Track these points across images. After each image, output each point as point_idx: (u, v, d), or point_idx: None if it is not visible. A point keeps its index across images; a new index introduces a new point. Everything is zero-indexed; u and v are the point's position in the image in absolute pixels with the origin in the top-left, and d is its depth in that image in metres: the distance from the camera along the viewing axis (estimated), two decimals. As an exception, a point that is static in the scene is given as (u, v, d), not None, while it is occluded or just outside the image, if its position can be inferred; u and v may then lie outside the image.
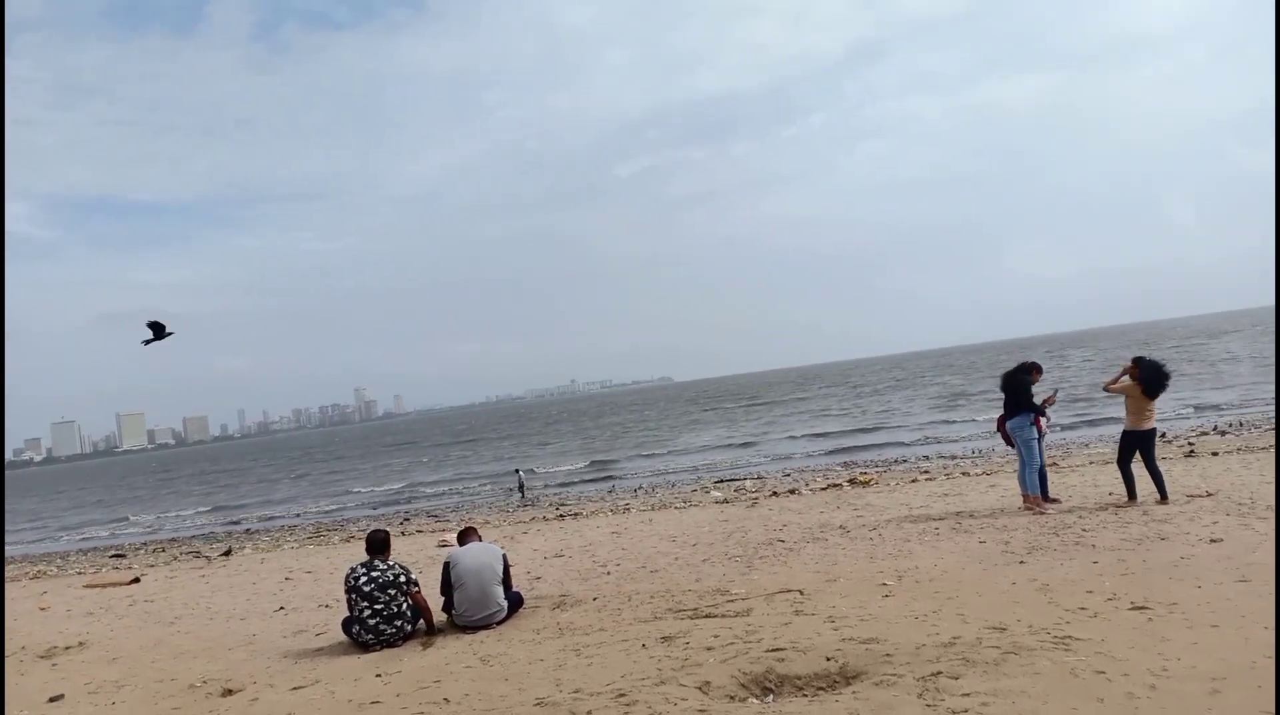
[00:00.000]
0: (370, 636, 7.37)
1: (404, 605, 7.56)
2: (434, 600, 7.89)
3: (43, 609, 11.93)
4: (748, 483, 22.29)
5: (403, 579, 7.62)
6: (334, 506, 35.09)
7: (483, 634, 7.46)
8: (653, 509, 17.63)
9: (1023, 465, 10.83)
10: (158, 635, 8.97)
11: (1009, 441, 11.16)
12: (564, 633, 7.17)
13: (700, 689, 5.36)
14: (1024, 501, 10.78)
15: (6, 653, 8.93)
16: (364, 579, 7.52)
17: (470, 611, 7.64)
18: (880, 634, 5.95)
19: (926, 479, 16.84)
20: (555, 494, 28.22)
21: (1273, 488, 10.02)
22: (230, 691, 6.52)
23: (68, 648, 8.75)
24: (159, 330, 8.24)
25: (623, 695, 5.36)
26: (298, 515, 32.59)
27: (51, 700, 6.75)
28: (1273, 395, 26.63)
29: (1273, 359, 44.18)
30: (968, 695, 4.71)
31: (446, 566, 7.87)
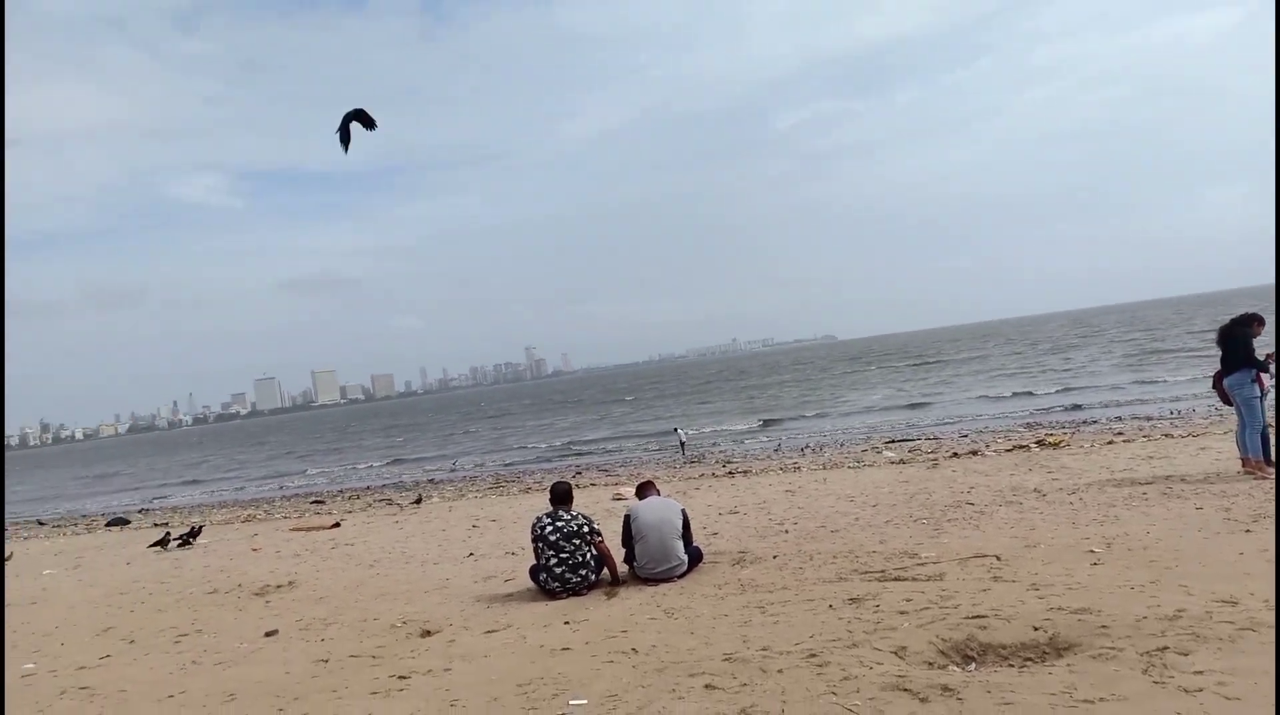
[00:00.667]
0: (557, 584, 7.53)
1: (588, 555, 7.67)
2: (616, 552, 7.98)
3: (255, 550, 12.92)
4: (923, 444, 21.52)
5: (586, 529, 7.74)
6: (512, 460, 36.49)
7: (664, 587, 7.48)
8: (824, 468, 17.31)
9: (1242, 426, 9.87)
10: (359, 577, 9.52)
11: (1226, 400, 10.21)
12: (746, 589, 7.09)
13: (896, 654, 5.15)
14: (1243, 465, 9.85)
15: (225, 589, 9.72)
16: (549, 529, 7.68)
17: (651, 564, 7.68)
18: (1093, 604, 5.53)
19: (1124, 441, 15.72)
20: (720, 451, 28.22)
21: None
22: (429, 632, 6.81)
23: (279, 586, 9.41)
24: (365, 120, 7.32)
25: (813, 655, 5.22)
26: (479, 466, 34.10)
27: (267, 635, 7.25)
28: None
29: None
30: (1200, 673, 4.30)
31: (627, 519, 7.93)
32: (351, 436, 80.00)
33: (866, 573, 7.18)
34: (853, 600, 6.35)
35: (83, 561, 14.12)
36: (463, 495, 20.91)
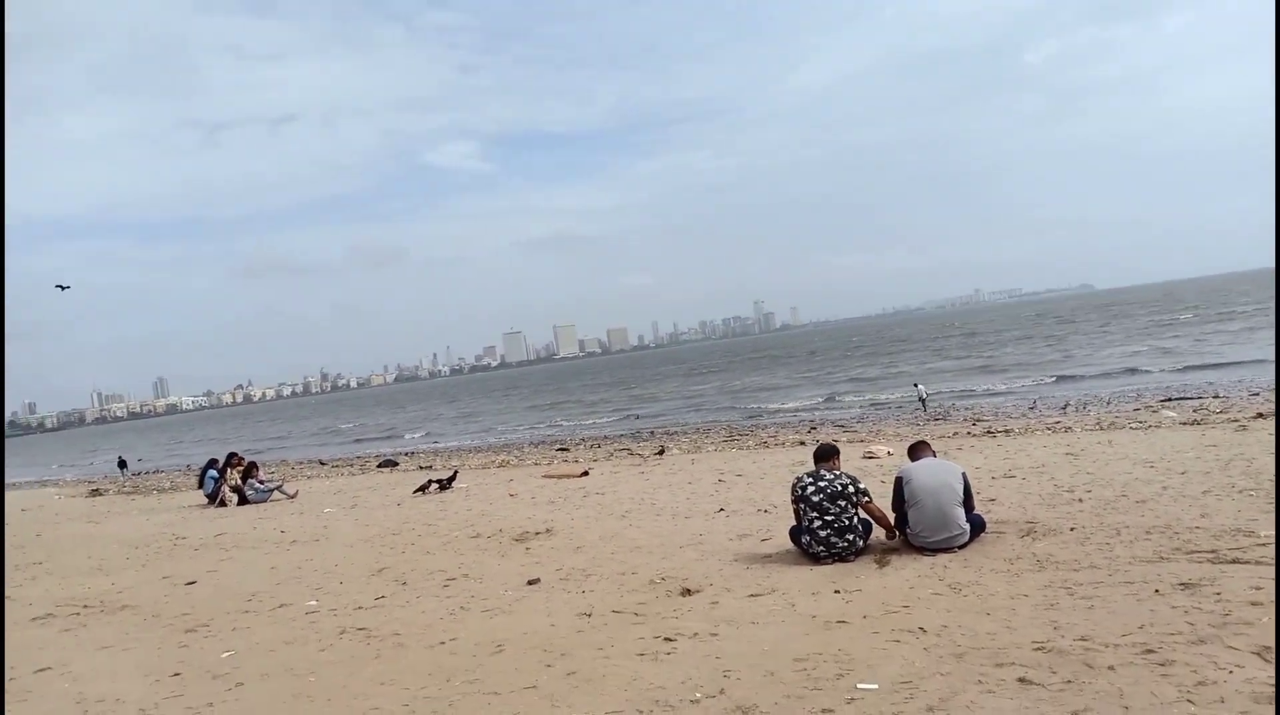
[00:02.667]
0: (821, 548, 7.00)
1: (854, 518, 7.08)
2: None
3: (511, 495, 13.29)
4: (1210, 403, 18.98)
5: (851, 489, 7.13)
6: (749, 408, 36.23)
7: (944, 557, 6.76)
8: (1101, 428, 15.59)
9: None
10: (613, 528, 9.43)
11: None
12: (1044, 566, 6.25)
13: (1259, 655, 4.23)
14: None
15: (487, 534, 9.94)
16: (811, 489, 7.14)
17: (927, 532, 6.97)
18: None
19: None
20: (966, 408, 26.46)
21: None
22: (689, 591, 6.50)
23: (537, 534, 9.50)
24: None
25: (1150, 652, 4.40)
26: (711, 419, 34.07)
27: (530, 583, 7.23)
28: None
29: None
30: None
31: (899, 482, 7.24)
32: (590, 387, 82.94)
33: (1194, 552, 6.12)
34: (1184, 585, 5.39)
35: (359, 501, 15.16)
36: (699, 447, 20.78)
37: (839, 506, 7.04)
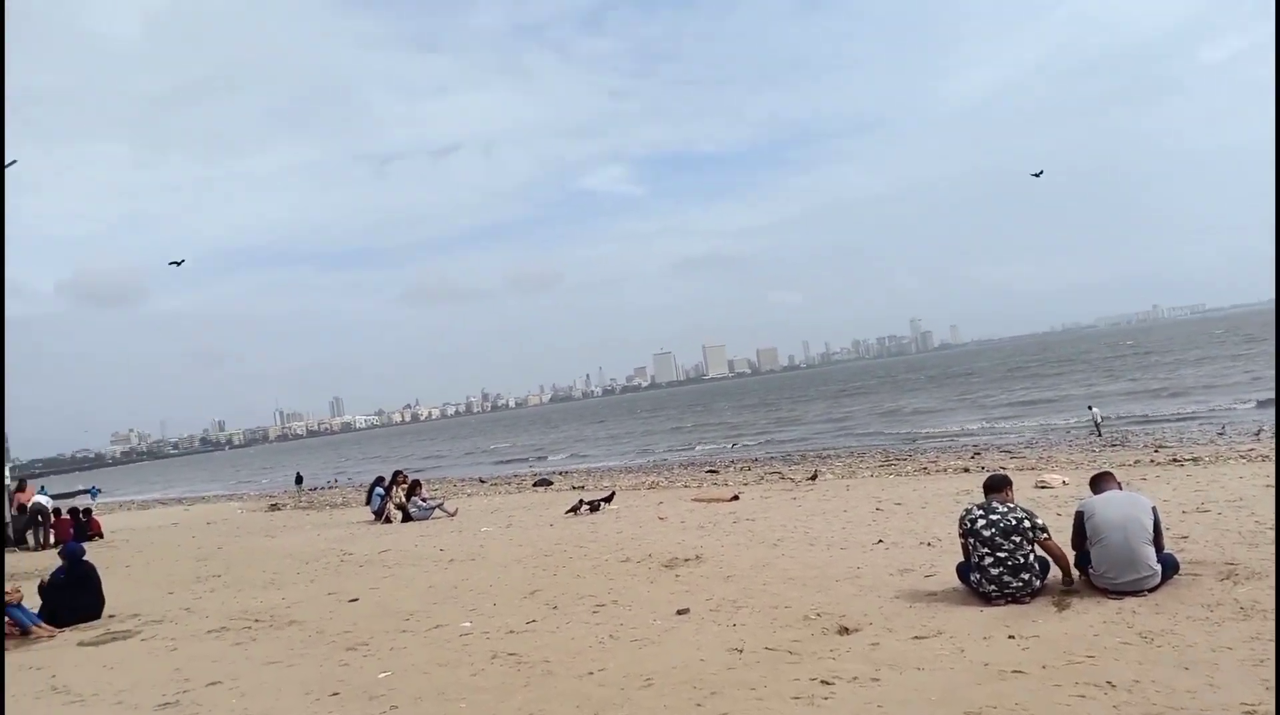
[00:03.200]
0: (993, 588, 6.50)
1: (1030, 555, 6.54)
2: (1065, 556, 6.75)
3: (661, 519, 13.17)
4: None
5: (1027, 524, 6.60)
6: (904, 432, 35.02)
7: (1132, 602, 6.14)
8: (1309, 458, 14.08)
9: None
10: (764, 557, 9.14)
11: None
12: (1249, 615, 5.57)
13: None
14: None
15: (636, 558, 9.83)
16: (982, 522, 6.66)
17: (1113, 573, 6.36)
18: None
19: None
20: (1146, 433, 24.61)
21: None
22: (846, 629, 6.16)
23: (686, 560, 9.31)
24: None
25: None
26: (865, 443, 33.06)
27: (679, 613, 7.05)
28: None
29: None
30: None
31: (1080, 516, 6.65)
32: (737, 408, 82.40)
33: None
34: None
35: (514, 521, 15.41)
36: (853, 472, 20.14)
37: (1013, 542, 6.52)
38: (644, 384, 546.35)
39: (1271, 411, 26.85)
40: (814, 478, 18.44)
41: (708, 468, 28.00)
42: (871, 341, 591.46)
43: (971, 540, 6.68)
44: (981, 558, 6.58)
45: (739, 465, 28.04)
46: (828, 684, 5.09)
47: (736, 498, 14.73)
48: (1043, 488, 12.81)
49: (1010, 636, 5.67)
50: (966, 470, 17.78)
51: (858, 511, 11.83)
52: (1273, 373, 40.45)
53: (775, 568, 8.50)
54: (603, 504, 15.14)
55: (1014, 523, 6.59)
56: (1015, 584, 6.47)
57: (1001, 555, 6.50)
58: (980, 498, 6.98)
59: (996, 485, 6.98)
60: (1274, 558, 6.91)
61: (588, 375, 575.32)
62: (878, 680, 5.10)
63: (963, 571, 6.85)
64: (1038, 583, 6.56)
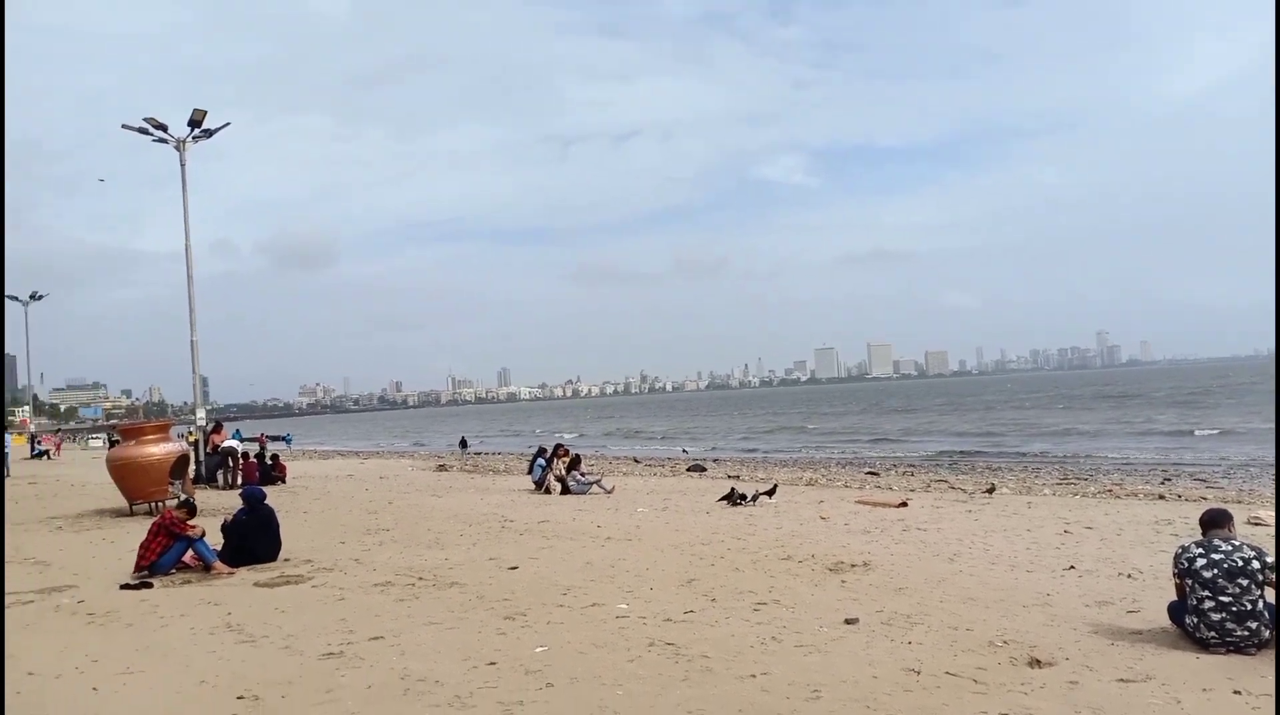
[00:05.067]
0: (1212, 635, 5.74)
1: (1259, 601, 5.74)
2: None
3: (823, 518, 12.66)
4: None
5: (1256, 564, 5.79)
6: (1079, 450, 32.79)
7: (1390, 670, 5.27)
8: None
9: None
10: (939, 571, 8.54)
11: None
12: None
13: None
14: None
15: (799, 558, 9.42)
16: (1202, 561, 5.89)
17: (1366, 634, 5.49)
18: None
19: None
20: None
21: None
22: (1039, 662, 5.57)
23: (853, 565, 8.82)
24: None
25: None
26: (1039, 456, 31.11)
27: (848, 622, 6.62)
28: None
29: None
30: None
31: (1324, 563, 5.79)
32: (907, 412, 79.75)
33: None
34: None
35: (669, 505, 15.25)
36: (1030, 488, 18.86)
37: (1239, 586, 5.74)
38: (803, 378, 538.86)
39: None
40: (991, 491, 17.36)
41: (868, 469, 27.04)
42: (1052, 352, 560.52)
43: (1189, 581, 5.93)
44: (1200, 601, 5.82)
45: (901, 469, 26.91)
46: (1020, 723, 4.58)
47: (905, 504, 13.99)
48: (1257, 525, 11.47)
49: (1236, 692, 4.98)
50: (1161, 497, 16.29)
51: (1043, 532, 10.95)
52: None
53: (953, 585, 7.90)
54: (763, 497, 14.72)
55: (1240, 564, 5.80)
56: (1240, 632, 5.69)
57: (1225, 600, 5.73)
58: (1179, 527, 6.21)
59: (1217, 520, 6.19)
60: None
61: (746, 365, 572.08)
62: (1078, 725, 4.55)
63: (1175, 612, 6.11)
64: (1266, 633, 5.74)
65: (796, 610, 7.07)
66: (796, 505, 14.63)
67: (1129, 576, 8.09)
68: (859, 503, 14.78)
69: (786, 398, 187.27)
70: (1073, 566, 8.59)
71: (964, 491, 17.48)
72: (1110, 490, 18.15)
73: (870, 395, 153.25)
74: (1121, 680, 5.22)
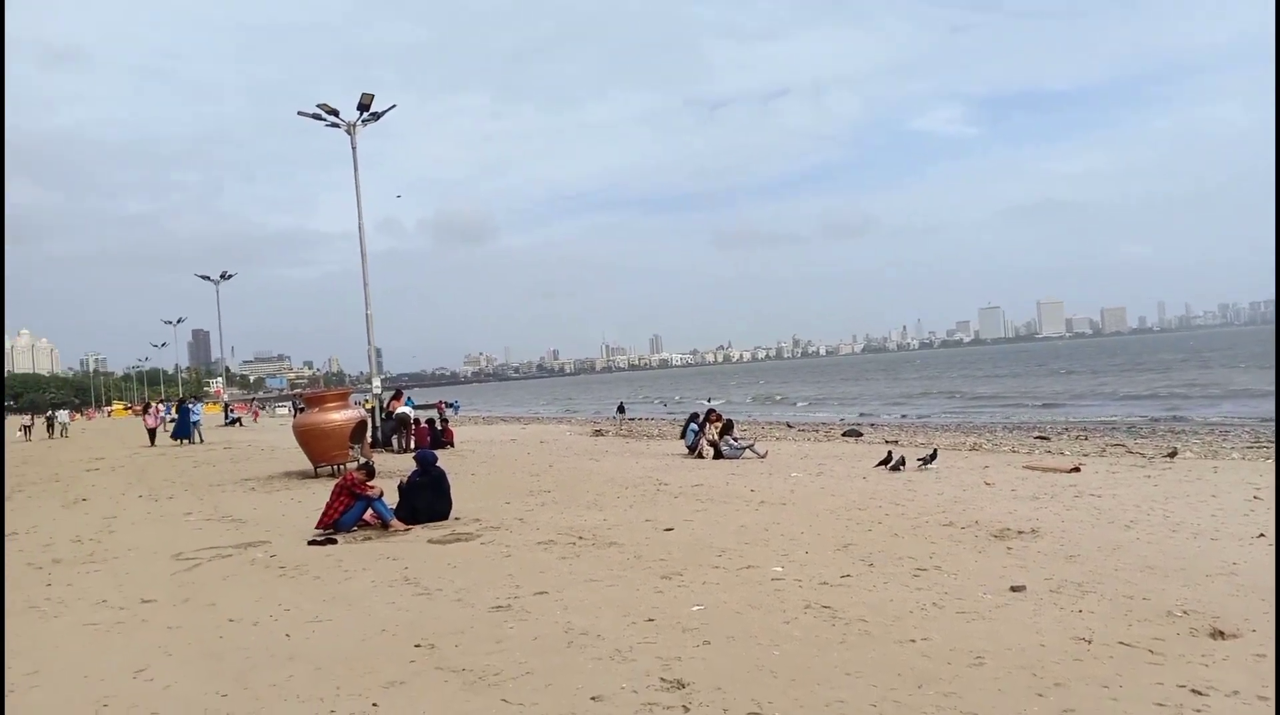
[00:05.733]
0: None
1: None
2: None
3: (988, 484, 12.25)
4: None
5: None
6: (1269, 413, 30.25)
7: None
8: None
9: None
10: (1114, 538, 8.13)
11: None
12: None
13: None
14: None
15: (961, 524, 9.18)
16: None
17: None
18: None
19: None
20: None
21: None
22: (1221, 634, 5.25)
23: (1020, 532, 8.52)
24: None
25: None
26: (1230, 417, 28.87)
27: (1013, 589, 6.41)
28: None
29: None
30: None
31: None
32: (1078, 373, 75.70)
33: None
34: None
35: (824, 470, 15.11)
36: (1216, 453, 17.57)
37: None
38: (966, 339, 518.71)
39: None
40: (1172, 455, 16.30)
41: (1037, 433, 25.84)
42: (1244, 306, 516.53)
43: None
44: None
45: (1074, 433, 25.60)
46: (1200, 694, 4.35)
47: (1078, 469, 13.33)
48: None
49: None
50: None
51: (1229, 498, 10.22)
52: None
53: (1129, 552, 7.51)
54: (921, 464, 14.34)
55: None
56: None
57: None
58: None
59: None
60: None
61: (904, 327, 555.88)
62: (1266, 699, 4.28)
63: (1385, 586, 5.62)
64: None
65: (959, 577, 6.91)
66: (959, 471, 14.20)
67: (1329, 547, 7.47)
68: (1027, 468, 14.20)
69: (947, 359, 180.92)
70: (1263, 535, 7.99)
71: (1142, 456, 16.49)
72: (1311, 454, 16.70)
73: (1039, 356, 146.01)
74: (1320, 655, 4.86)
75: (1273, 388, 42.42)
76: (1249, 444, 19.78)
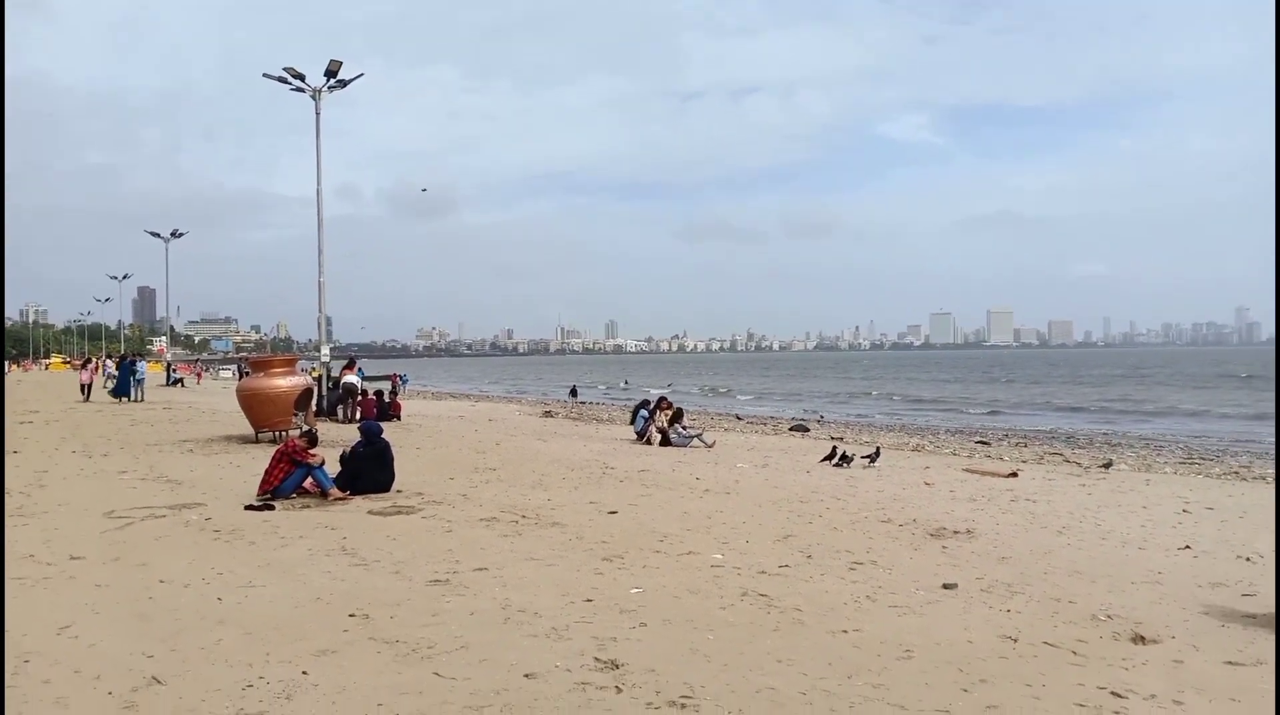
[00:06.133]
0: (1336, 626, 5.48)
1: (1392, 597, 5.44)
2: None
3: (927, 484, 12.46)
4: None
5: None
6: (1204, 429, 31.20)
7: None
8: None
9: None
10: (1046, 542, 8.33)
11: None
12: None
13: None
14: None
15: (899, 521, 9.33)
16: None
17: None
18: None
19: None
20: None
21: None
22: (1142, 639, 5.42)
23: (955, 532, 8.69)
24: None
25: None
26: (1162, 432, 29.70)
27: (945, 587, 6.54)
28: None
29: None
30: None
31: None
32: (1031, 382, 77.22)
33: None
34: None
35: (769, 462, 15.25)
36: (1150, 466, 18.06)
37: (1370, 577, 5.44)
38: (916, 343, 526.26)
39: None
40: (1108, 466, 16.73)
41: (978, 438, 26.34)
42: (1186, 326, 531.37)
43: (1317, 566, 5.64)
44: (1327, 589, 5.54)
45: (1014, 440, 26.13)
46: (1119, 696, 4.49)
47: (1015, 475, 13.62)
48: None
49: (1358, 686, 4.73)
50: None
51: (1160, 510, 10.52)
52: None
53: (1059, 556, 7.71)
54: (864, 461, 14.54)
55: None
56: (1370, 627, 5.40)
57: (1355, 590, 5.44)
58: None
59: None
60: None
61: (857, 327, 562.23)
62: (1181, 704, 4.43)
63: (1298, 600, 5.83)
64: (1400, 630, 5.44)
65: (894, 572, 7.03)
66: (900, 470, 14.43)
67: (1248, 560, 7.72)
68: (966, 471, 14.46)
69: (896, 361, 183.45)
70: (1188, 546, 8.25)
71: (1079, 465, 16.89)
72: (1237, 472, 17.24)
73: (985, 363, 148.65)
74: (1230, 663, 5.03)
75: (1208, 408, 43.85)
76: (1181, 459, 20.36)
